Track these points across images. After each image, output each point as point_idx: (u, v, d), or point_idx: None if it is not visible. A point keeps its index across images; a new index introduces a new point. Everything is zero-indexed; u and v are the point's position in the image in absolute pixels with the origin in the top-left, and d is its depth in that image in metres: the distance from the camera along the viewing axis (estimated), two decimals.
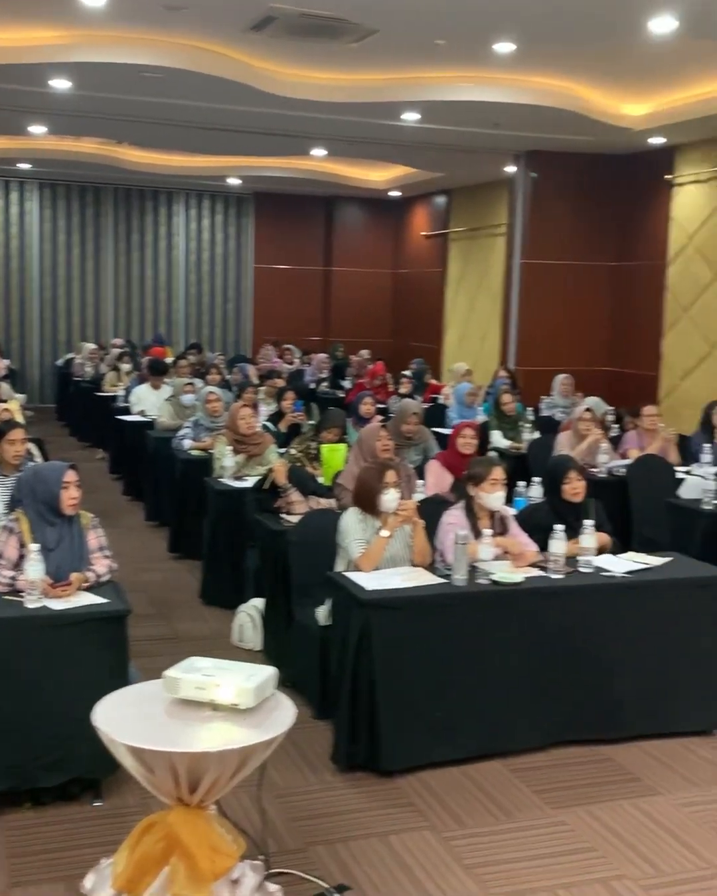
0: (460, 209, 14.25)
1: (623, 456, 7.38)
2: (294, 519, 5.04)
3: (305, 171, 13.70)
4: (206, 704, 2.81)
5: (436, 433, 7.50)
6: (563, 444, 7.30)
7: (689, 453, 7.28)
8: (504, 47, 7.62)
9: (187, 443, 7.26)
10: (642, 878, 3.29)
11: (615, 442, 7.73)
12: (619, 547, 4.86)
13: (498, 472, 4.60)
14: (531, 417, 8.60)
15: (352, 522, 4.43)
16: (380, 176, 14.24)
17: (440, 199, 14.71)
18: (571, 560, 4.38)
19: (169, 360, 10.98)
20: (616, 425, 8.38)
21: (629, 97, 9.20)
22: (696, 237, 10.07)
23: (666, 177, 10.31)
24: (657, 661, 4.31)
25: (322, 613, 4.45)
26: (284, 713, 2.86)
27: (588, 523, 4.49)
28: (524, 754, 4.11)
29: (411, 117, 9.46)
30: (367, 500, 4.46)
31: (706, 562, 4.77)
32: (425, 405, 9.76)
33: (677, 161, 10.26)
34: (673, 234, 10.37)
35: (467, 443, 6.04)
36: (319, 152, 12.17)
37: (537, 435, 8.08)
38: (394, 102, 8.94)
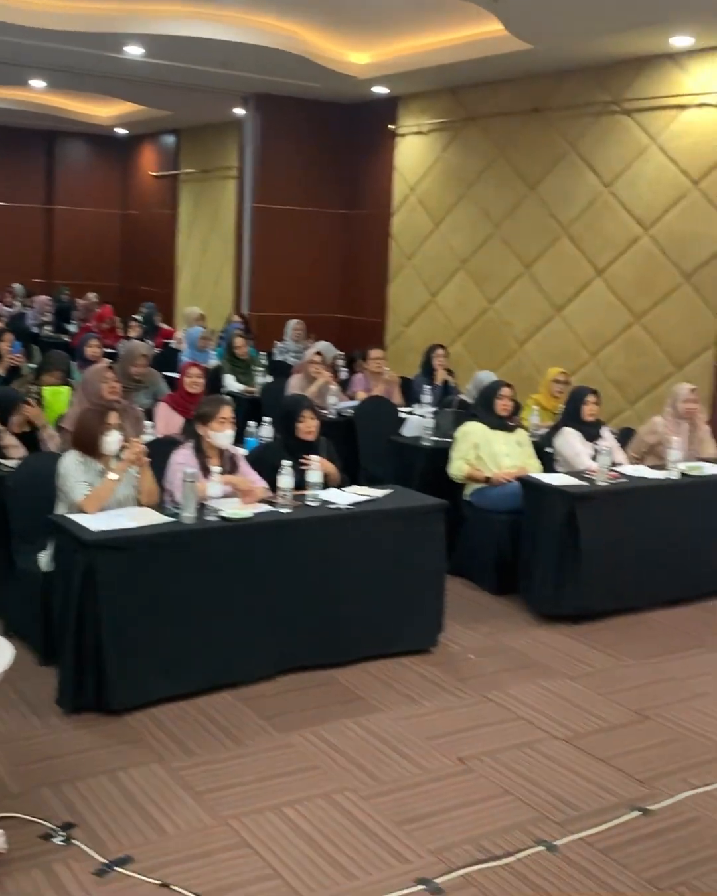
0: (189, 150, 13.98)
1: (352, 397, 7.62)
2: (12, 464, 4.84)
3: (23, 103, 12.92)
4: None
5: (168, 378, 7.42)
6: (294, 387, 7.44)
7: (411, 394, 7.63)
8: None
9: None
10: (362, 788, 3.48)
11: (344, 385, 7.97)
12: (347, 483, 5.04)
13: (227, 411, 4.64)
14: (264, 362, 8.68)
15: (72, 465, 4.31)
16: (105, 112, 13.69)
17: (169, 139, 14.36)
18: (298, 495, 4.49)
19: None
20: (346, 369, 8.63)
21: (353, 45, 9.33)
22: (418, 188, 10.44)
23: (390, 127, 10.59)
24: (380, 586, 4.53)
25: (44, 559, 4.32)
26: (0, 655, 2.78)
27: (314, 458, 4.62)
28: (254, 684, 4.21)
29: (134, 51, 9.14)
30: (88, 443, 4.35)
31: (425, 493, 5.05)
32: (157, 350, 9.62)
33: (399, 112, 10.55)
34: (397, 185, 10.69)
35: (193, 382, 6.02)
36: (38, 84, 11.53)
37: (269, 379, 8.18)
38: (116, 34, 8.60)
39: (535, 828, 3.28)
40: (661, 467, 5.61)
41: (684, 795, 3.51)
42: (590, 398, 5.87)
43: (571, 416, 5.89)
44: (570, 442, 5.79)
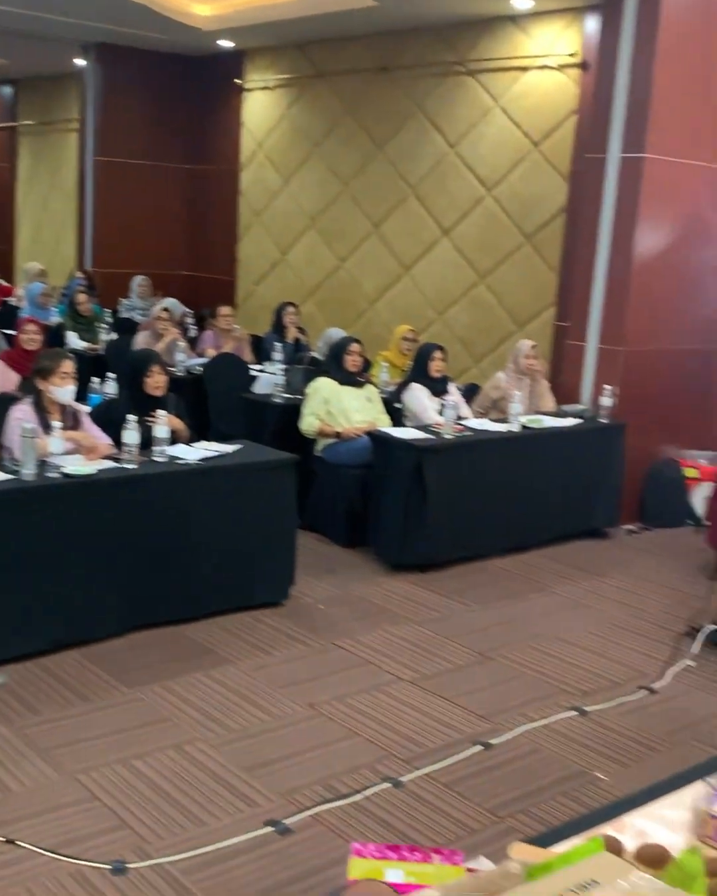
0: (28, 101, 13.38)
1: (201, 355, 7.54)
2: None
3: None
4: None
5: (6, 335, 7.17)
6: (141, 344, 7.31)
7: (263, 352, 7.61)
8: None
9: None
10: (213, 738, 3.50)
11: (193, 342, 7.87)
12: (196, 439, 4.99)
13: (67, 366, 4.53)
14: (109, 319, 8.47)
15: None
16: None
17: (6, 90, 13.70)
18: (145, 450, 4.43)
19: None
20: (195, 327, 8.51)
21: None
22: (265, 144, 10.31)
23: (236, 81, 10.40)
24: (231, 541, 4.53)
25: None
26: None
27: (161, 413, 4.56)
28: (102, 641, 4.16)
29: None
30: None
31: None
32: None
33: (246, 66, 10.37)
34: (245, 140, 10.53)
35: (30, 338, 5.85)
36: None
37: (114, 336, 7.99)
38: None
39: (381, 766, 3.38)
40: (503, 421, 5.79)
41: (522, 729, 3.68)
42: (437, 355, 5.99)
43: (418, 372, 6.01)
44: (417, 397, 5.90)
